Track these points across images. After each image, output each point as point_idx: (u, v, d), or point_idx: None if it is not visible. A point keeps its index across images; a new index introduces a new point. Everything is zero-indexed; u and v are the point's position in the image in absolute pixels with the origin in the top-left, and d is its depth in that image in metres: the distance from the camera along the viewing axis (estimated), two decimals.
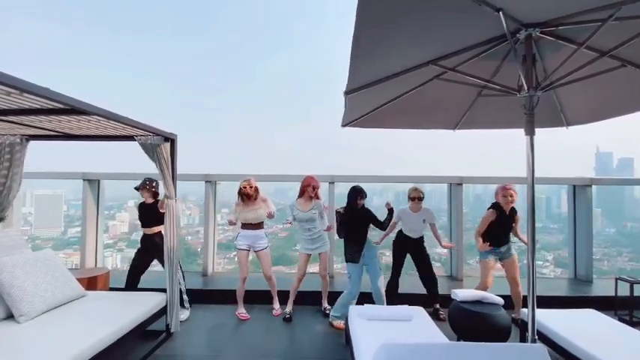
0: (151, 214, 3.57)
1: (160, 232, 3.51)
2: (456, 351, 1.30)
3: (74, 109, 2.11)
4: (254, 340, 3.13)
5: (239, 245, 3.63)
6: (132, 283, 3.58)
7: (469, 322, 2.71)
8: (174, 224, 3.08)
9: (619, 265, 7.71)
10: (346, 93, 2.29)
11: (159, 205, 3.51)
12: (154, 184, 3.61)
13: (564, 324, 2.63)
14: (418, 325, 2.63)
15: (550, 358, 1.37)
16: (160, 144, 2.92)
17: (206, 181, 4.64)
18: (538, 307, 2.98)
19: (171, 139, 3.06)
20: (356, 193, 3.43)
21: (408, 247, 3.76)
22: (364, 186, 3.56)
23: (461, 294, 2.89)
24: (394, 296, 3.66)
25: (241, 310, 3.64)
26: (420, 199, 3.66)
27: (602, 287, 4.18)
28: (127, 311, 2.59)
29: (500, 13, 1.74)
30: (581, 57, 2.13)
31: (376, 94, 2.81)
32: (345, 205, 3.51)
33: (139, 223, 3.67)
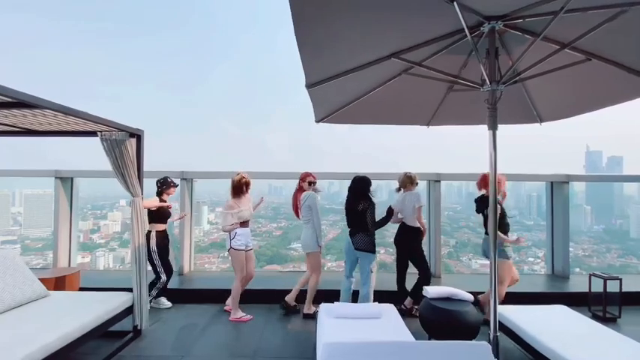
0: (166, 212, 3.76)
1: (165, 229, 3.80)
2: (398, 349, 1.27)
3: (24, 102, 2.04)
4: (225, 340, 3.07)
5: (238, 246, 3.46)
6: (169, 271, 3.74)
7: (438, 320, 2.70)
8: (141, 222, 3.01)
9: (608, 261, 7.79)
10: (308, 86, 2.25)
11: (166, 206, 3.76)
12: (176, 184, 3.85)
13: (532, 320, 2.62)
14: (386, 323, 2.59)
15: (493, 356, 1.34)
16: (125, 140, 2.85)
17: (182, 179, 4.55)
18: (512, 303, 3.01)
19: (137, 135, 2.99)
20: (368, 182, 3.42)
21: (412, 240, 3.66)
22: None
23: (431, 291, 2.88)
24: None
25: (241, 314, 3.50)
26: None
27: (579, 283, 4.19)
28: (87, 311, 2.52)
29: (455, 4, 1.70)
30: (545, 51, 2.12)
31: (346, 89, 2.78)
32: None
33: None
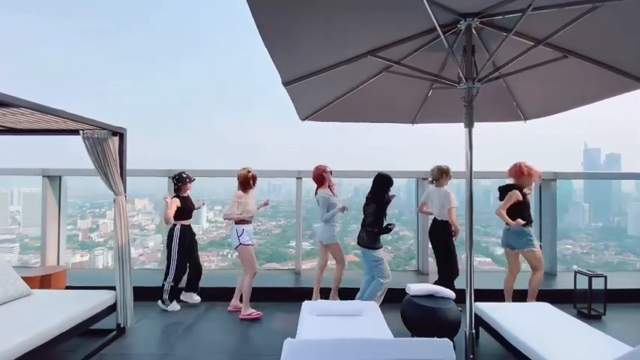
0: (190, 206, 3.78)
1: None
2: (360, 346, 1.27)
3: None
4: (210, 338, 3.07)
5: (248, 242, 3.50)
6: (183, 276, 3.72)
7: (418, 317, 2.71)
8: (125, 221, 3.01)
9: (606, 258, 7.81)
10: (285, 84, 2.25)
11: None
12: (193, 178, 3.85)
13: (513, 317, 2.63)
14: (367, 321, 2.59)
15: (454, 353, 1.35)
16: (107, 138, 2.85)
17: (169, 177, 4.54)
18: (498, 300, 3.01)
19: (119, 134, 2.99)
20: (390, 181, 3.47)
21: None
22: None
23: (413, 288, 2.88)
24: None
25: (251, 310, 3.50)
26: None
27: (565, 281, 4.19)
28: (67, 309, 2.51)
29: (425, 1, 1.69)
30: (523, 48, 2.11)
31: (327, 87, 2.78)
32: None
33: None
